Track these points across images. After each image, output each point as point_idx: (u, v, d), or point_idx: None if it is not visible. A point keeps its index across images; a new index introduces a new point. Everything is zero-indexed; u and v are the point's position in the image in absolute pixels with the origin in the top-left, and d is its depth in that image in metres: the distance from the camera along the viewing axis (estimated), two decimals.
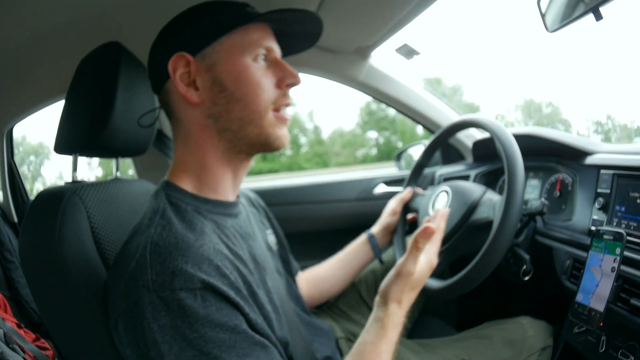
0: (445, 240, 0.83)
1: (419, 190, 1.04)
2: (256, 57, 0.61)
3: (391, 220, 1.01)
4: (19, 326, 1.04)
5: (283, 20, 0.63)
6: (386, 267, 1.05)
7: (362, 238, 1.00)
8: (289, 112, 0.67)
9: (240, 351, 0.46)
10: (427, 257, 0.66)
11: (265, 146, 0.63)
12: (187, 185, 0.61)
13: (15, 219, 1.38)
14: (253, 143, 0.62)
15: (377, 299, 0.65)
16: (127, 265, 0.50)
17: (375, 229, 1.01)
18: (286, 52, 0.70)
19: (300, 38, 0.70)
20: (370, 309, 1.00)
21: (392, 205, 1.02)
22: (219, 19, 0.61)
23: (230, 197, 0.65)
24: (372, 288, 1.03)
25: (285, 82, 0.63)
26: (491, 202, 0.78)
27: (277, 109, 0.63)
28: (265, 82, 0.61)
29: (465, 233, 0.81)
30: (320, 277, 0.97)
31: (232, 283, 0.49)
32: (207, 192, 0.62)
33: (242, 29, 0.60)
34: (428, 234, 0.63)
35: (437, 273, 0.84)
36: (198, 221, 0.55)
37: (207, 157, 0.62)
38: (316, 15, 0.64)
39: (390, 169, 1.64)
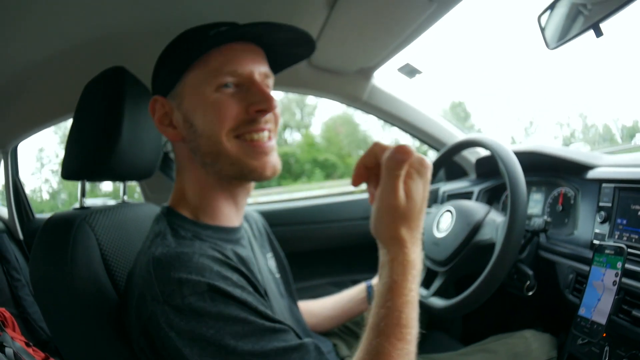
0: (450, 260, 0.85)
1: None
2: (219, 85, 0.58)
3: None
4: (27, 345, 1.05)
5: (260, 35, 0.60)
6: None
7: (361, 287, 0.98)
8: (264, 138, 0.61)
9: (253, 338, 0.47)
10: (416, 183, 0.52)
11: (243, 177, 0.61)
12: (187, 212, 0.62)
13: (21, 237, 1.38)
14: (231, 175, 0.61)
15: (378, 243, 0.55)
16: (135, 285, 0.52)
17: (375, 280, 1.01)
18: (281, 66, 0.69)
19: (289, 49, 0.66)
20: None
21: None
22: (180, 53, 0.61)
23: (233, 222, 0.66)
24: None
25: (253, 108, 0.59)
26: (494, 223, 0.79)
27: (242, 137, 0.60)
28: (225, 111, 0.58)
29: (469, 253, 0.82)
30: (310, 310, 0.96)
31: (235, 283, 0.51)
32: (207, 219, 0.63)
33: (202, 59, 0.59)
34: (403, 155, 0.50)
35: (441, 292, 0.85)
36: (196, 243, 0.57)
37: (202, 187, 0.63)
38: (281, 24, 0.59)
39: None
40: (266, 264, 0.77)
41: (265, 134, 0.61)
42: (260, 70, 0.61)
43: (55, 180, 3.04)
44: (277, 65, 0.69)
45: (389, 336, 0.48)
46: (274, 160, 0.62)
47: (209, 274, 0.50)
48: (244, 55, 0.60)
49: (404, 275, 0.50)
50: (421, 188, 0.52)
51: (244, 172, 0.60)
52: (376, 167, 0.54)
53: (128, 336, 0.55)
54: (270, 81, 0.65)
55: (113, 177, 0.77)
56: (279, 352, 0.47)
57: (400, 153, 0.49)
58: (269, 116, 0.61)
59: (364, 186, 0.58)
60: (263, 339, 0.48)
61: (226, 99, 0.59)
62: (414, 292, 0.51)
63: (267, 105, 0.59)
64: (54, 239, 0.62)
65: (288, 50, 0.67)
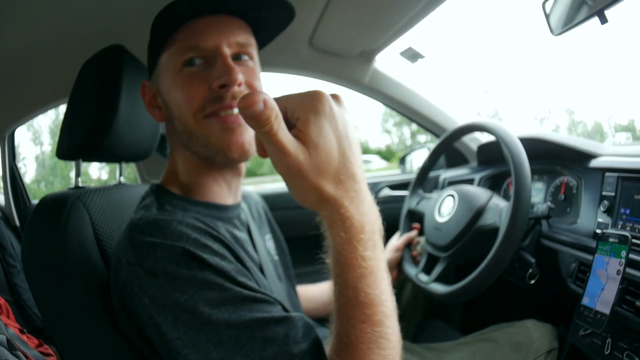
0: (452, 245, 0.84)
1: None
2: (183, 63, 0.56)
3: (393, 257, 0.99)
4: (21, 332, 1.04)
5: (218, 6, 0.56)
6: (401, 282, 1.05)
7: None
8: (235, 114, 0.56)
9: (230, 307, 0.43)
10: (314, 126, 0.38)
11: (217, 158, 0.58)
12: (177, 189, 0.62)
13: (17, 223, 1.37)
14: (206, 156, 0.58)
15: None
16: (114, 252, 0.51)
17: None
18: (265, 37, 0.66)
19: (269, 16, 0.61)
20: None
21: (395, 243, 1.02)
22: (154, 36, 0.61)
23: (225, 200, 0.64)
24: None
25: (216, 84, 0.55)
26: (497, 208, 0.78)
27: (214, 114, 0.56)
28: (192, 90, 0.55)
29: (471, 238, 0.81)
30: (309, 295, 0.94)
31: (215, 251, 0.48)
32: (198, 196, 0.62)
33: (170, 39, 0.57)
34: (251, 109, 0.35)
35: (442, 278, 0.83)
36: (179, 213, 0.55)
37: (190, 166, 0.62)
38: None
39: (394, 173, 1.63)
40: (264, 245, 0.76)
41: (235, 110, 0.55)
42: (230, 40, 0.57)
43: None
44: (263, 37, 0.66)
45: (350, 318, 0.41)
46: (242, 138, 0.56)
47: (186, 240, 0.47)
48: (209, 27, 0.56)
49: (350, 242, 0.40)
50: (328, 128, 0.38)
51: (212, 154, 0.57)
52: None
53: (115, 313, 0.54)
54: (252, 50, 0.61)
55: (109, 158, 0.76)
56: (259, 323, 0.43)
57: (248, 107, 0.34)
58: (241, 90, 0.56)
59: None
60: (242, 308, 0.44)
61: (190, 77, 0.56)
62: (371, 260, 0.41)
63: (229, 78, 0.54)
64: (47, 217, 0.61)
65: (268, 20, 0.62)
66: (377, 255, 0.42)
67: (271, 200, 1.11)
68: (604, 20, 0.68)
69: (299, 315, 0.46)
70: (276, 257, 0.81)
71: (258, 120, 0.35)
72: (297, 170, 0.38)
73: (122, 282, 0.47)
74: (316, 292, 0.96)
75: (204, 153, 0.58)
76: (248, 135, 0.57)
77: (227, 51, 0.56)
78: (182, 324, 0.43)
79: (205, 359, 0.42)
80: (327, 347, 0.44)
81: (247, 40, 0.59)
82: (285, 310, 0.48)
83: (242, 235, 0.66)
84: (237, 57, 0.59)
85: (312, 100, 0.38)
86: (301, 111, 0.38)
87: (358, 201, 0.40)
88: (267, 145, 0.37)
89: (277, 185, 1.56)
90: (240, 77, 0.55)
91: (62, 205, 0.61)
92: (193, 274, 0.44)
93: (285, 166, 0.38)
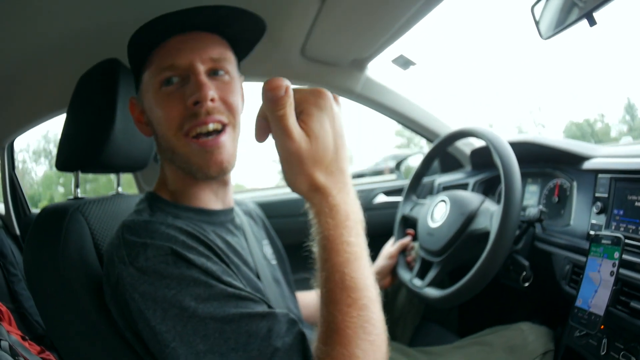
0: (444, 250, 0.84)
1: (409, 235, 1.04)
2: (161, 82, 0.57)
3: (386, 264, 1.00)
4: (23, 338, 1.05)
5: (194, 24, 0.57)
6: (396, 286, 1.06)
7: None
8: (211, 136, 0.57)
9: (215, 303, 0.46)
10: (316, 118, 0.43)
11: (196, 176, 0.60)
12: (168, 196, 0.64)
13: (18, 232, 1.38)
14: (186, 173, 0.61)
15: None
16: (106, 252, 0.54)
17: None
18: (244, 52, 0.68)
19: (242, 29, 0.63)
20: None
21: (389, 249, 1.03)
22: (134, 55, 0.62)
23: (214, 206, 0.66)
24: (382, 305, 1.04)
25: (190, 101, 0.56)
26: (489, 212, 0.79)
27: (188, 134, 0.57)
28: (170, 109, 0.57)
29: (463, 243, 0.82)
30: (305, 302, 0.94)
31: (201, 252, 0.51)
32: (187, 202, 0.64)
33: (149, 58, 0.59)
34: (274, 92, 0.40)
35: (437, 282, 0.84)
36: (170, 218, 0.58)
37: (178, 177, 0.64)
38: (206, 6, 0.57)
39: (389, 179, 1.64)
40: (261, 250, 0.77)
41: (211, 126, 0.57)
42: (203, 56, 0.58)
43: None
44: (240, 51, 0.67)
45: (336, 303, 0.42)
46: (221, 157, 0.58)
47: (174, 241, 0.50)
48: (182, 45, 0.57)
49: (337, 228, 0.43)
50: (327, 123, 0.43)
51: (192, 171, 0.59)
52: None
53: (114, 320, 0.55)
54: (227, 64, 0.61)
55: (107, 169, 0.77)
56: (243, 318, 0.45)
57: (272, 90, 0.40)
58: (215, 106, 0.57)
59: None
60: (227, 304, 0.46)
61: (168, 96, 0.57)
62: (356, 247, 0.44)
63: (200, 95, 0.55)
64: (47, 228, 0.62)
65: (240, 33, 0.64)
66: (361, 242, 0.45)
67: (267, 208, 1.12)
68: (592, 22, 0.68)
69: (283, 311, 0.49)
70: (274, 262, 0.81)
71: (276, 104, 0.40)
72: (297, 156, 0.42)
73: (114, 280, 0.50)
74: (312, 299, 0.96)
75: (186, 169, 0.61)
76: (226, 154, 0.59)
77: (201, 68, 0.57)
78: (170, 318, 0.45)
79: (192, 351, 0.44)
80: (314, 341, 0.45)
81: (221, 55, 0.60)
82: (270, 308, 0.49)
83: (236, 239, 0.67)
84: (213, 73, 0.60)
85: (317, 97, 0.43)
86: (306, 105, 0.42)
87: (345, 192, 0.45)
88: (276, 128, 0.42)
89: (272, 192, 1.56)
90: (211, 93, 0.56)
91: (62, 216, 0.62)
92: (180, 272, 0.47)
93: (287, 151, 0.42)
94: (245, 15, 0.60)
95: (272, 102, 0.40)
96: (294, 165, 0.43)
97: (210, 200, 0.66)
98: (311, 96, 0.43)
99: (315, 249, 0.45)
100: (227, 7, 0.57)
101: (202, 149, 0.57)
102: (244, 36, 0.65)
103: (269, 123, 0.44)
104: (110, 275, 0.51)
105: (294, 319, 0.48)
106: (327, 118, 0.43)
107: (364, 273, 0.44)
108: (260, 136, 0.45)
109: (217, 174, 0.59)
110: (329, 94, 0.44)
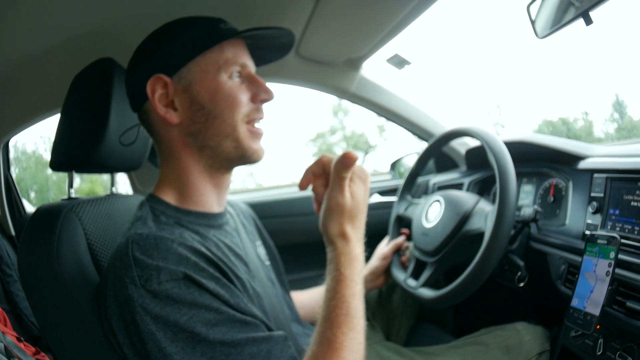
0: (439, 250, 0.84)
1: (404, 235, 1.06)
2: (231, 74, 0.63)
3: (380, 264, 1.01)
4: (19, 340, 1.04)
5: (257, 36, 0.66)
6: (391, 286, 1.06)
7: None
8: (261, 126, 0.69)
9: (224, 328, 0.50)
10: (358, 186, 0.60)
11: (242, 159, 0.65)
12: (170, 198, 0.63)
13: (13, 233, 1.37)
14: (231, 157, 0.65)
15: (325, 240, 0.61)
16: (114, 266, 0.53)
17: (363, 272, 1.01)
18: (258, 62, 0.71)
19: (273, 49, 0.73)
20: (372, 326, 1.00)
21: (383, 249, 1.03)
22: (194, 38, 0.62)
23: (214, 208, 0.67)
24: (377, 306, 1.05)
25: (259, 98, 0.65)
26: (483, 212, 0.79)
27: (250, 123, 0.65)
28: (240, 98, 0.63)
29: (457, 243, 0.81)
30: (299, 302, 0.95)
31: (211, 275, 0.53)
32: (190, 205, 0.64)
33: (218, 47, 0.62)
34: (349, 160, 0.57)
35: (431, 282, 0.84)
36: (177, 230, 0.58)
37: (189, 173, 0.64)
38: (288, 30, 0.67)
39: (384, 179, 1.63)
40: (255, 251, 0.77)
41: (262, 121, 0.67)
42: (253, 66, 0.68)
43: None
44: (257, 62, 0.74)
45: (340, 326, 0.53)
46: (263, 147, 0.68)
47: (186, 264, 0.52)
48: (245, 50, 0.66)
49: (351, 269, 0.57)
50: (362, 190, 0.60)
51: (245, 154, 0.64)
52: (322, 176, 0.64)
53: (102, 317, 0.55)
54: None
55: (101, 169, 0.77)
56: (248, 342, 0.51)
57: (347, 158, 0.57)
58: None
59: None
60: (234, 329, 0.51)
61: (238, 87, 0.64)
62: (360, 285, 0.57)
63: (269, 95, 0.66)
64: (41, 228, 0.62)
65: (268, 52, 0.73)
66: (361, 281, 0.58)
67: (260, 208, 1.11)
68: (588, 21, 0.68)
69: (279, 333, 0.55)
70: (267, 263, 0.81)
71: (346, 169, 0.57)
72: (341, 208, 0.58)
73: (123, 299, 0.50)
74: (306, 299, 0.96)
75: (232, 153, 0.64)
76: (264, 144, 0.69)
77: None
78: (180, 340, 0.48)
79: None
80: (310, 357, 0.53)
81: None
82: (268, 328, 0.56)
83: (234, 241, 0.67)
84: None
85: (361, 170, 0.61)
86: (354, 174, 0.60)
87: (360, 243, 0.60)
88: (335, 184, 0.58)
89: (265, 193, 1.56)
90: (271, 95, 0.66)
91: (55, 217, 0.62)
92: (193, 298, 0.50)
93: (336, 203, 0.58)
94: (286, 49, 0.73)
95: (344, 166, 0.57)
96: (335, 214, 0.58)
97: (212, 202, 0.66)
98: (358, 169, 0.61)
99: (328, 280, 0.57)
100: (286, 30, 0.67)
101: (256, 136, 0.66)
102: (264, 61, 0.74)
103: (316, 178, 0.64)
104: (118, 293, 0.51)
105: (286, 337, 0.55)
106: (363, 188, 0.61)
107: (361, 305, 0.57)
108: (304, 185, 0.64)
109: (259, 158, 0.67)
110: (369, 173, 0.62)
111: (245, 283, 0.60)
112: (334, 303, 0.54)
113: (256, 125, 0.66)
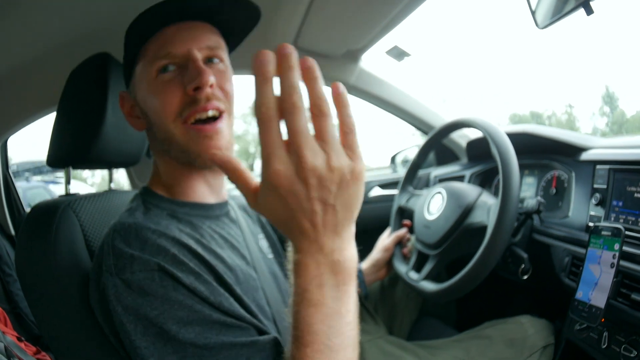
0: (441, 243, 0.83)
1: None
2: (158, 70, 0.57)
3: (382, 256, 1.00)
4: (19, 339, 1.04)
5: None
6: (393, 279, 1.05)
7: None
8: (212, 121, 0.58)
9: (198, 328, 0.46)
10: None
11: (192, 164, 0.60)
12: (163, 191, 0.63)
13: (12, 232, 1.37)
14: (184, 162, 0.60)
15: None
16: (96, 255, 0.52)
17: (365, 264, 1.01)
18: (232, 48, 0.67)
19: (242, 29, 0.65)
20: (375, 320, 0.99)
21: (385, 241, 1.02)
22: (127, 47, 0.61)
23: (209, 199, 0.65)
24: (379, 300, 1.04)
25: (189, 87, 0.55)
26: (486, 205, 0.78)
27: (187, 121, 0.57)
28: (165, 95, 0.57)
29: (460, 236, 0.81)
30: None
31: (190, 269, 0.49)
32: (183, 196, 0.63)
33: (143, 49, 0.59)
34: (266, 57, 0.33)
35: (433, 275, 0.83)
36: (164, 221, 0.56)
37: (174, 169, 0.63)
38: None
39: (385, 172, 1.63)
40: (257, 244, 0.76)
41: (210, 112, 0.57)
42: (200, 45, 0.58)
43: None
44: (232, 40, 0.67)
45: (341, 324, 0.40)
46: (219, 144, 0.58)
47: (164, 256, 0.49)
48: (179, 34, 0.58)
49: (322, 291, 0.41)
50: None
51: (191, 159, 0.59)
52: None
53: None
54: (222, 53, 0.62)
55: (99, 165, 0.77)
56: (224, 346, 0.45)
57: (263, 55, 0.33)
58: (214, 93, 0.57)
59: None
60: (210, 331, 0.46)
61: (165, 84, 0.57)
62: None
63: (200, 80, 0.55)
64: (38, 225, 0.61)
65: (233, 21, 0.63)
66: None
67: None
68: (589, 11, 0.67)
69: (268, 337, 0.48)
70: (270, 256, 0.81)
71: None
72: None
73: (102, 287, 0.49)
74: None
75: (182, 158, 0.60)
76: (224, 140, 0.59)
77: (198, 55, 0.58)
78: (151, 335, 0.45)
79: None
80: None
81: (216, 43, 0.61)
82: (259, 330, 0.50)
83: (232, 232, 0.67)
84: (208, 61, 0.60)
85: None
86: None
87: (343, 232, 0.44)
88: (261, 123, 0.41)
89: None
90: (212, 78, 0.56)
91: (52, 214, 0.61)
92: (165, 292, 0.47)
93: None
94: (240, 3, 0.60)
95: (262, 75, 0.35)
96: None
97: (204, 193, 0.65)
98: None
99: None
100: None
101: (201, 135, 0.57)
102: (238, 25, 0.64)
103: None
104: (98, 281, 0.50)
105: (279, 342, 0.49)
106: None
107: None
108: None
109: (211, 163, 0.57)
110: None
111: (238, 274, 0.57)
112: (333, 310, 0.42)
113: (201, 120, 0.57)
